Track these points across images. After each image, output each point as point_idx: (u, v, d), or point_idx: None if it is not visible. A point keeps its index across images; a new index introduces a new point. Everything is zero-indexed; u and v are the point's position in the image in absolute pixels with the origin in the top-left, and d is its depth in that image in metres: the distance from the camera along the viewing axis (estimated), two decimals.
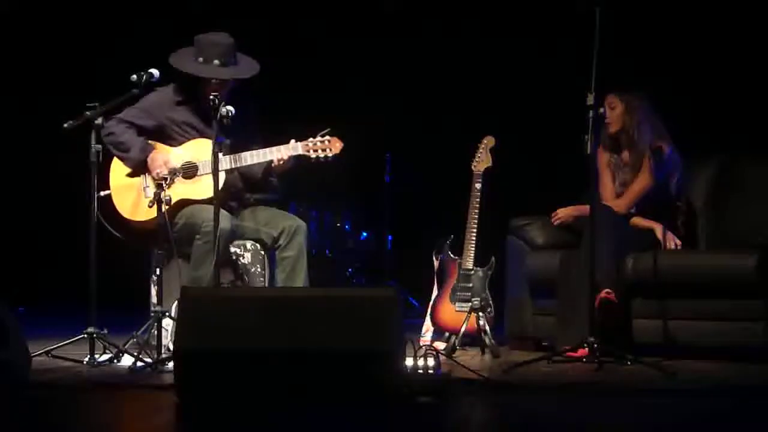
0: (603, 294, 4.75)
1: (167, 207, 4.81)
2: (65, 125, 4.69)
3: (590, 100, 4.59)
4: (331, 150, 5.03)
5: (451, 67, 7.77)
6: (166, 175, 4.96)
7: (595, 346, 4.47)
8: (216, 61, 5.05)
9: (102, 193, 4.95)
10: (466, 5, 7.70)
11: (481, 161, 5.48)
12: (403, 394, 3.61)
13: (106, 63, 7.35)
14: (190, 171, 5.04)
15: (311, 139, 5.04)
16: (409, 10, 7.86)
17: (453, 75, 7.74)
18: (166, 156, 5.05)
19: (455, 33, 7.74)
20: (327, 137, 5.04)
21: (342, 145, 5.04)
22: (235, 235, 5.04)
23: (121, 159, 5.07)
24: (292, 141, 5.03)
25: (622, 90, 5.28)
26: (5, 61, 8.00)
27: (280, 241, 5.08)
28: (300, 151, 5.02)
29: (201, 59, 5.06)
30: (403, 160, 7.94)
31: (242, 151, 5.04)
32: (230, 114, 4.74)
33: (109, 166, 5.09)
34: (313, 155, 5.03)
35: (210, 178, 4.90)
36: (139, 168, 5.06)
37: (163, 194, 4.83)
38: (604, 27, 4.57)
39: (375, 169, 7.95)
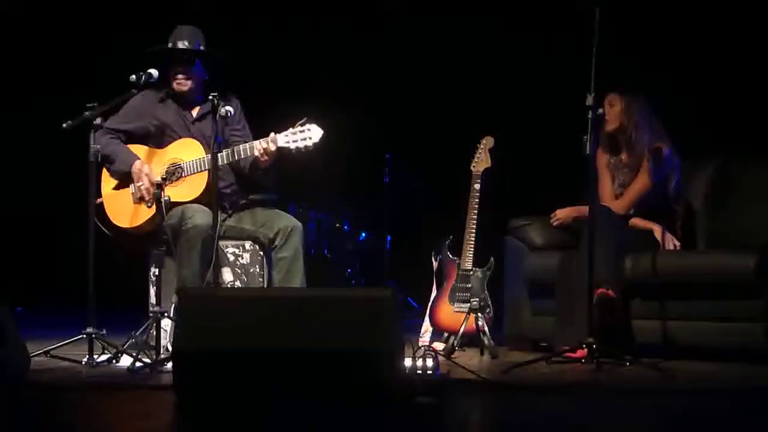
0: (601, 290, 4.74)
1: (165, 206, 4.83)
2: (64, 125, 4.70)
3: (590, 100, 4.59)
4: (311, 138, 4.87)
5: (450, 67, 7.77)
6: (147, 188, 4.95)
7: (594, 346, 4.47)
8: (185, 42, 5.07)
9: (96, 201, 4.94)
10: (465, 5, 7.70)
11: (480, 162, 5.48)
12: (401, 395, 3.60)
13: (106, 63, 7.35)
14: (174, 175, 5.03)
15: (290, 129, 4.90)
16: (409, 10, 7.86)
17: (452, 75, 7.74)
18: (149, 167, 5.03)
19: (455, 33, 7.74)
20: (306, 125, 4.89)
21: (322, 132, 4.87)
22: (213, 231, 5.00)
23: (108, 171, 5.09)
24: (272, 134, 4.92)
25: (624, 90, 5.28)
26: (5, 61, 8.00)
27: (276, 242, 5.06)
28: (279, 144, 4.89)
29: (170, 45, 5.09)
30: (402, 160, 7.94)
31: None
32: (229, 114, 4.76)
33: (101, 175, 5.09)
34: (293, 146, 4.88)
35: (195, 179, 4.95)
36: (126, 178, 5.07)
37: (162, 195, 4.84)
38: (603, 27, 4.57)
39: (374, 169, 7.96)
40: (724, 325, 4.77)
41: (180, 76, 5.11)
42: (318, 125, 4.89)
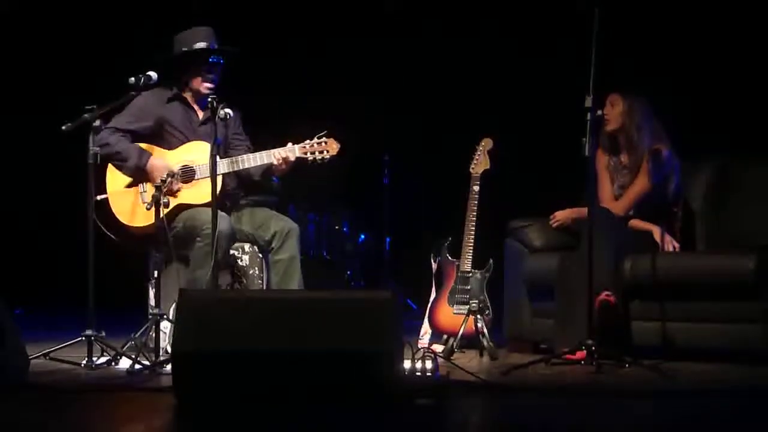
0: (603, 296, 4.75)
1: (165, 209, 4.82)
2: (63, 127, 4.69)
3: (589, 102, 4.58)
4: (328, 152, 4.99)
5: (450, 69, 7.77)
6: (158, 185, 4.95)
7: (594, 348, 4.47)
8: (201, 44, 5.07)
9: (98, 197, 4.94)
10: (465, 6, 7.71)
11: (479, 163, 5.48)
12: (401, 397, 3.60)
13: (105, 65, 7.35)
14: (187, 175, 5.03)
15: (308, 141, 5.00)
16: (409, 10, 7.86)
17: (451, 76, 7.75)
18: (165, 161, 5.04)
19: (454, 34, 7.74)
20: (324, 139, 5.00)
21: (339, 146, 5.00)
22: (234, 238, 5.02)
23: (119, 168, 5.06)
24: (289, 144, 5.00)
25: (626, 90, 5.28)
26: (4, 62, 8.00)
27: (273, 244, 5.06)
28: (297, 154, 4.99)
29: (185, 49, 5.08)
30: (401, 162, 7.94)
31: (231, 154, 5.05)
32: (228, 116, 4.75)
33: (105, 172, 5.08)
34: (310, 157, 5.00)
35: (208, 182, 4.92)
36: (138, 175, 5.05)
37: (162, 197, 4.83)
38: (603, 28, 4.57)
39: (373, 171, 7.96)
40: (724, 327, 4.77)
41: (210, 76, 5.10)
42: (335, 138, 4.99)
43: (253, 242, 5.14)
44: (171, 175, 4.97)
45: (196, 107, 5.20)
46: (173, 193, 4.97)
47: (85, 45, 8.14)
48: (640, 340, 4.96)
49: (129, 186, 5.07)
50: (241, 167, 5.01)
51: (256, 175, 5.15)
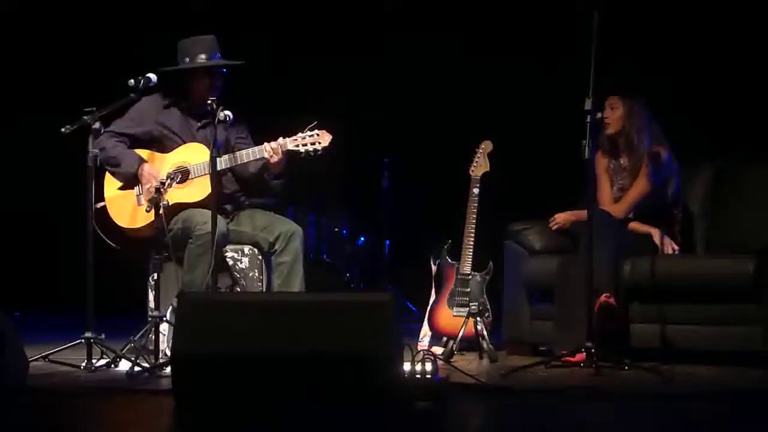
0: (603, 298, 4.75)
1: (164, 211, 4.82)
2: (63, 129, 4.68)
3: (588, 104, 4.59)
4: (320, 143, 4.94)
5: (449, 71, 7.76)
6: (157, 186, 4.93)
7: (593, 350, 4.47)
8: (202, 56, 5.07)
9: (98, 205, 4.94)
10: (465, 8, 7.70)
11: (479, 166, 5.48)
12: (401, 399, 3.60)
13: (105, 67, 7.35)
14: (182, 176, 5.03)
15: (299, 134, 4.96)
16: (409, 11, 7.85)
17: (451, 79, 7.74)
18: (157, 167, 5.04)
19: (454, 36, 7.73)
20: (315, 131, 4.95)
21: (331, 137, 4.94)
22: (227, 239, 5.01)
23: (113, 174, 5.07)
24: (280, 138, 4.96)
25: (625, 93, 5.28)
26: (4, 63, 8.00)
27: (276, 246, 5.07)
28: (289, 147, 4.95)
29: (187, 59, 5.08)
30: (400, 164, 7.94)
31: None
32: (228, 119, 4.75)
33: (104, 177, 5.08)
34: (302, 149, 4.94)
35: (202, 181, 4.94)
36: (131, 181, 5.05)
37: (161, 199, 4.84)
38: (602, 30, 4.57)
39: (373, 173, 7.95)
40: (723, 329, 4.77)
41: (212, 89, 5.06)
42: (327, 130, 4.95)
43: (254, 244, 5.14)
44: (171, 177, 4.98)
45: (194, 112, 5.19)
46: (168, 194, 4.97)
47: (85, 46, 8.13)
48: (639, 342, 4.96)
49: (125, 190, 5.08)
50: (233, 164, 5.00)
51: (252, 169, 5.12)
